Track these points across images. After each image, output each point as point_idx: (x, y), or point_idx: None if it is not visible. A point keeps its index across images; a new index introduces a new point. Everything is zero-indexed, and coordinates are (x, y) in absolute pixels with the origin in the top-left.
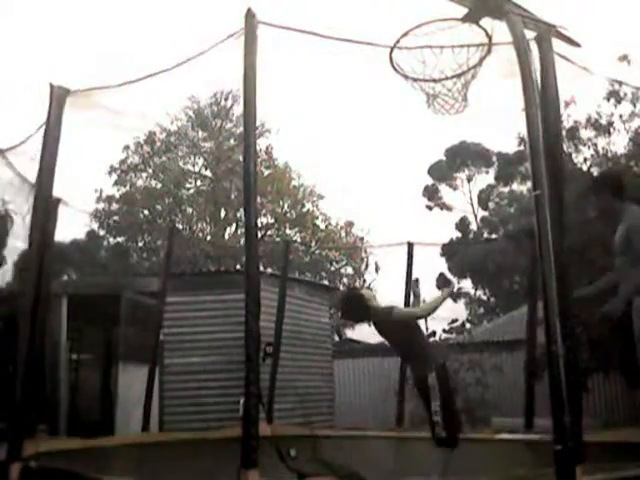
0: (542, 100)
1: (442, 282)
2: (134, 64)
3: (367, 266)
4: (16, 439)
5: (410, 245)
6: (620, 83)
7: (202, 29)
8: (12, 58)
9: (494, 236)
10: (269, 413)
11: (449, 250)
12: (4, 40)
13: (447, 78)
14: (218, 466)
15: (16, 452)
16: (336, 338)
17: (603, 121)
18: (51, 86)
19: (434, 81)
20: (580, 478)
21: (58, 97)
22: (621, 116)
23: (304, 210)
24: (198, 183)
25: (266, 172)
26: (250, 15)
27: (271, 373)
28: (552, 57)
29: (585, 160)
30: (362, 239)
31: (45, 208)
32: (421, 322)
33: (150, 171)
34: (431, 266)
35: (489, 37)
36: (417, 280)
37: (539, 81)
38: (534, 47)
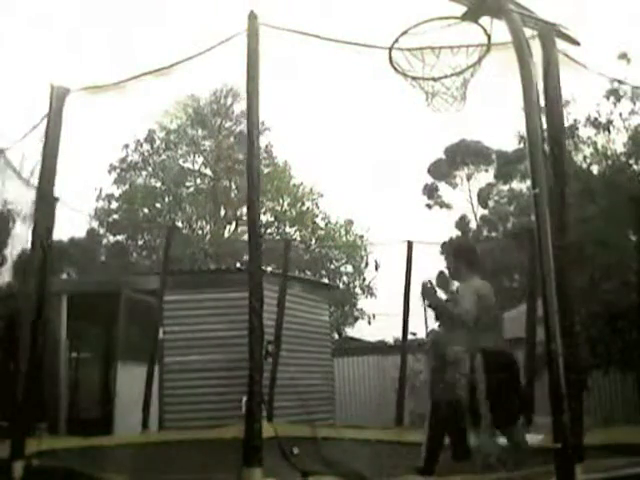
0: (545, 98)
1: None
2: (137, 64)
3: (367, 264)
4: (19, 437)
5: (410, 244)
6: (620, 82)
7: (206, 31)
8: (14, 57)
9: (494, 234)
10: (269, 411)
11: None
12: (6, 39)
13: (446, 77)
14: (218, 465)
15: (19, 450)
16: (336, 336)
17: (602, 119)
18: (51, 86)
19: (433, 80)
20: (580, 476)
21: (58, 96)
22: (621, 114)
23: (304, 208)
24: (198, 181)
25: (266, 170)
26: (252, 17)
27: (272, 371)
28: (556, 55)
29: (585, 158)
30: (362, 237)
31: (47, 207)
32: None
33: (150, 169)
34: (431, 264)
35: (488, 36)
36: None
37: (541, 79)
38: (536, 46)
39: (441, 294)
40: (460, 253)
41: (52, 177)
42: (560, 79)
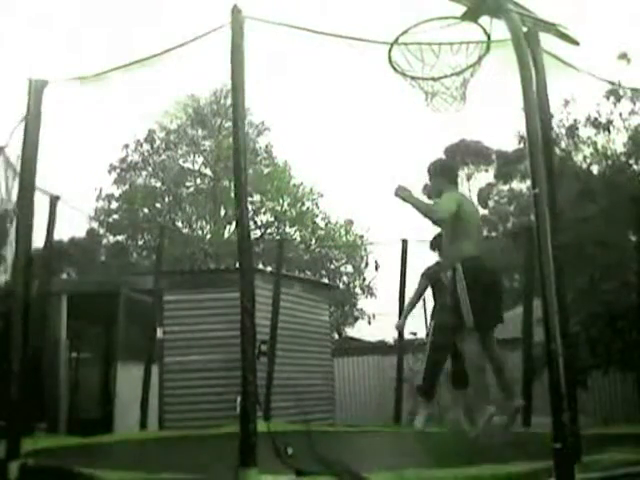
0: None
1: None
2: (124, 58)
3: (367, 264)
4: (14, 437)
5: (404, 242)
6: (615, 84)
7: (196, 27)
8: (14, 57)
9: (494, 234)
10: (266, 411)
11: None
12: (6, 39)
13: (446, 76)
14: (217, 463)
15: (15, 450)
16: (336, 336)
17: (603, 119)
18: (29, 81)
19: (433, 79)
20: (578, 476)
21: (36, 89)
22: (621, 114)
23: (304, 208)
24: (198, 181)
25: (266, 170)
26: (236, 10)
27: (268, 371)
28: (541, 54)
29: (585, 158)
30: (362, 237)
31: (29, 203)
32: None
33: (150, 169)
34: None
35: (488, 36)
36: None
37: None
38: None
39: None
40: (441, 171)
41: (33, 173)
42: (546, 79)
